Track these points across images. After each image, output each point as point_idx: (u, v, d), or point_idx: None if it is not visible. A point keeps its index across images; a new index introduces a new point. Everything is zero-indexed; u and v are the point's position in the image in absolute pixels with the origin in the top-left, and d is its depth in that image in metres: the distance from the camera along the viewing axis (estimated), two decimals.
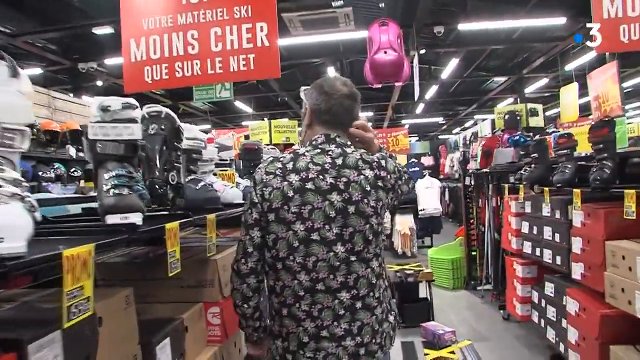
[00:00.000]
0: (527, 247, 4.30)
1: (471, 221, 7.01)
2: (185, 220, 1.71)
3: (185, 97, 14.89)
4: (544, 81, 14.19)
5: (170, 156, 1.80)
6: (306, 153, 1.71)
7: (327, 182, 1.65)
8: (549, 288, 3.82)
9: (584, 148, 4.53)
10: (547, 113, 14.29)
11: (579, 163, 3.61)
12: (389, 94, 15.51)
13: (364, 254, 1.68)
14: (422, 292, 5.54)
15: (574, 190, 3.19)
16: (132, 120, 1.45)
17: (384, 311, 1.75)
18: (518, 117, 10.01)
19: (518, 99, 14.93)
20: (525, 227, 4.34)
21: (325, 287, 1.65)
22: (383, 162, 1.75)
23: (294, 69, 14.95)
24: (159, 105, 1.82)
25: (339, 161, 1.69)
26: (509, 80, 15.15)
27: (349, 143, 1.79)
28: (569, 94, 9.35)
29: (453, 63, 10.69)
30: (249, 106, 14.68)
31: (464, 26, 8.30)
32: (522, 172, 4.49)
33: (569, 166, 3.56)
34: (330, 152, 1.71)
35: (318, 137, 1.76)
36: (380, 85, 6.32)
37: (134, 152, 1.47)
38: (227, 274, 1.94)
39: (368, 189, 1.67)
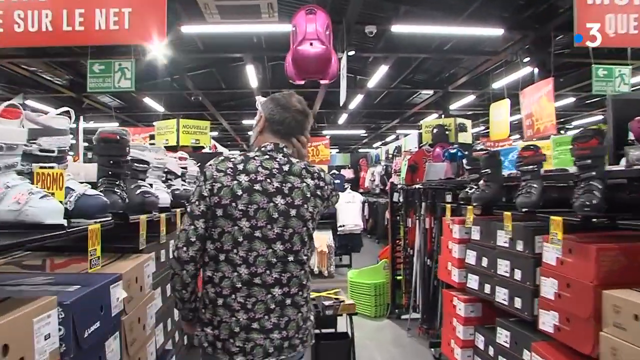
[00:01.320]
0: (473, 282, 3.55)
1: (397, 242, 6.28)
2: None
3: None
4: (469, 98, 13.98)
5: None
6: (256, 157, 1.89)
7: (273, 185, 1.84)
8: (503, 336, 3.07)
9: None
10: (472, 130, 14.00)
11: (546, 183, 2.90)
12: (311, 101, 14.80)
13: (300, 255, 1.88)
14: (341, 324, 4.71)
15: (553, 218, 2.43)
16: None
17: (308, 310, 1.95)
18: (447, 132, 9.54)
19: (442, 115, 14.63)
20: (471, 257, 3.60)
21: (261, 282, 1.81)
22: (322, 174, 1.98)
23: (211, 69, 13.88)
24: None
25: (286, 168, 1.89)
26: (434, 95, 14.86)
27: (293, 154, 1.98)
28: (500, 111, 8.96)
29: (382, 70, 10.06)
30: (160, 104, 13.40)
31: (397, 28, 7.66)
32: (468, 190, 3.76)
33: (535, 186, 2.84)
34: (278, 159, 1.90)
35: (268, 145, 1.94)
36: (303, 82, 5.46)
37: None
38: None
39: (308, 195, 1.88)
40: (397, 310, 6.23)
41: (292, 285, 1.85)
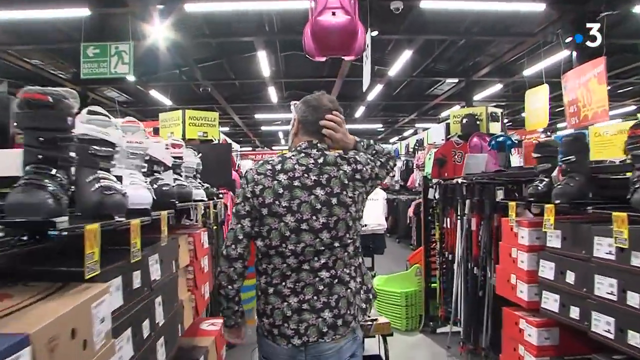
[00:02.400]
0: (551, 302, 2.74)
1: (432, 245, 5.48)
2: None
3: (96, 82, 12.74)
4: (494, 88, 13.07)
5: None
6: (292, 157, 1.99)
7: (311, 179, 1.93)
8: None
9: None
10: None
11: None
12: (327, 89, 14.01)
13: (345, 239, 1.94)
14: (373, 345, 3.94)
15: None
16: None
17: (357, 283, 2.00)
18: (477, 122, 8.69)
19: (465, 107, 13.77)
20: (547, 270, 2.79)
21: (309, 267, 1.91)
22: (358, 157, 2.03)
23: (221, 60, 13.15)
24: None
25: (320, 160, 1.96)
26: (456, 86, 14.01)
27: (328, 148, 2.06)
28: (538, 97, 8.07)
29: (405, 56, 9.21)
30: (166, 97, 12.67)
31: (426, 4, 6.81)
32: (538, 184, 2.95)
33: None
34: (312, 155, 1.98)
35: (302, 143, 2.02)
36: (324, 59, 4.66)
37: None
38: None
39: (346, 182, 1.95)
40: (431, 323, 5.44)
41: (338, 267, 1.94)
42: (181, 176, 2.88)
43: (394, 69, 9.87)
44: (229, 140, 10.45)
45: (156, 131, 8.38)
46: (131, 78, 8.15)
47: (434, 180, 5.39)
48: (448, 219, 5.03)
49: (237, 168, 9.91)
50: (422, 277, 5.55)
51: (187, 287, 2.66)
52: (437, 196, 5.25)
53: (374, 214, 8.11)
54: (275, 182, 1.91)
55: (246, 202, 1.93)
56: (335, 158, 1.96)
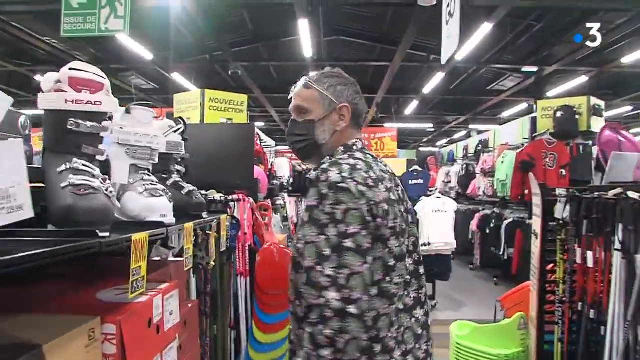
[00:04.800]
0: None
1: (551, 285, 3.67)
2: None
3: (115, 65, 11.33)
4: (574, 82, 11.04)
5: None
6: (367, 159, 1.51)
7: (399, 190, 1.56)
8: None
9: None
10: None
11: None
12: (377, 82, 12.28)
13: (422, 263, 1.61)
14: None
15: None
16: None
17: None
18: (576, 116, 6.84)
19: (534, 106, 11.84)
20: None
21: (403, 306, 1.49)
22: None
23: (257, 44, 11.57)
24: None
25: (389, 168, 1.61)
26: (524, 80, 12.09)
27: None
28: None
29: (484, 29, 7.31)
30: (189, 80, 11.12)
31: None
32: None
33: None
34: (379, 159, 1.59)
35: (357, 143, 1.60)
36: None
37: None
38: None
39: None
40: None
41: (426, 300, 1.59)
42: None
43: (466, 50, 8.00)
44: (263, 137, 8.85)
45: (169, 116, 6.83)
46: (123, 37, 6.59)
47: (560, 191, 3.51)
48: (587, 252, 3.21)
49: (270, 166, 8.31)
50: (533, 332, 3.76)
51: None
52: (565, 215, 3.41)
53: (441, 229, 6.34)
54: (383, 194, 1.42)
55: (366, 228, 1.35)
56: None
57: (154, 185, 1.36)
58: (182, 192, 1.57)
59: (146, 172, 1.39)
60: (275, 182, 8.35)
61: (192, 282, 1.93)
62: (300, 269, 1.32)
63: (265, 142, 8.59)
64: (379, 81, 11.98)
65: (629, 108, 14.20)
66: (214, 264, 1.86)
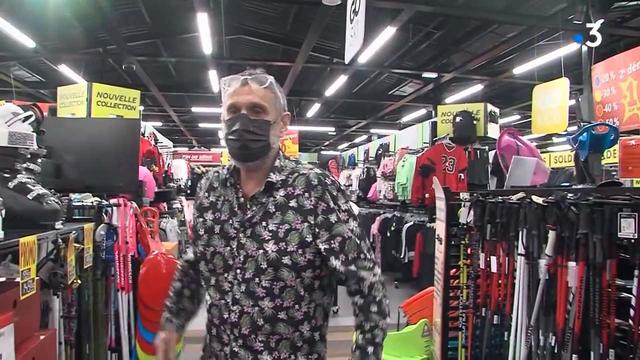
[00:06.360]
0: None
1: (454, 291, 3.61)
2: None
3: None
4: (471, 90, 11.47)
5: None
6: None
7: None
8: None
9: None
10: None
11: None
12: (279, 83, 12.05)
13: None
14: None
15: None
16: None
17: None
18: (474, 122, 7.01)
19: (433, 112, 12.14)
20: None
21: None
22: None
23: (155, 39, 10.97)
24: None
25: None
26: (424, 86, 12.38)
27: None
28: (552, 95, 6.41)
29: (387, 33, 7.33)
30: (79, 74, 10.29)
31: None
32: None
33: None
34: None
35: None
36: None
37: None
38: None
39: None
40: None
41: None
42: None
43: (368, 53, 7.99)
44: (160, 137, 8.33)
45: (53, 112, 6.19)
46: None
47: (464, 195, 3.46)
48: (489, 257, 3.18)
49: (167, 168, 7.83)
50: (434, 340, 3.69)
51: None
52: (469, 220, 3.36)
53: None
54: None
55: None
56: None
57: None
58: (29, 196, 1.24)
59: None
60: (172, 184, 7.88)
61: (56, 304, 1.59)
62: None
63: (161, 142, 8.12)
64: (281, 82, 11.57)
65: (517, 117, 15.02)
66: (79, 282, 1.52)
